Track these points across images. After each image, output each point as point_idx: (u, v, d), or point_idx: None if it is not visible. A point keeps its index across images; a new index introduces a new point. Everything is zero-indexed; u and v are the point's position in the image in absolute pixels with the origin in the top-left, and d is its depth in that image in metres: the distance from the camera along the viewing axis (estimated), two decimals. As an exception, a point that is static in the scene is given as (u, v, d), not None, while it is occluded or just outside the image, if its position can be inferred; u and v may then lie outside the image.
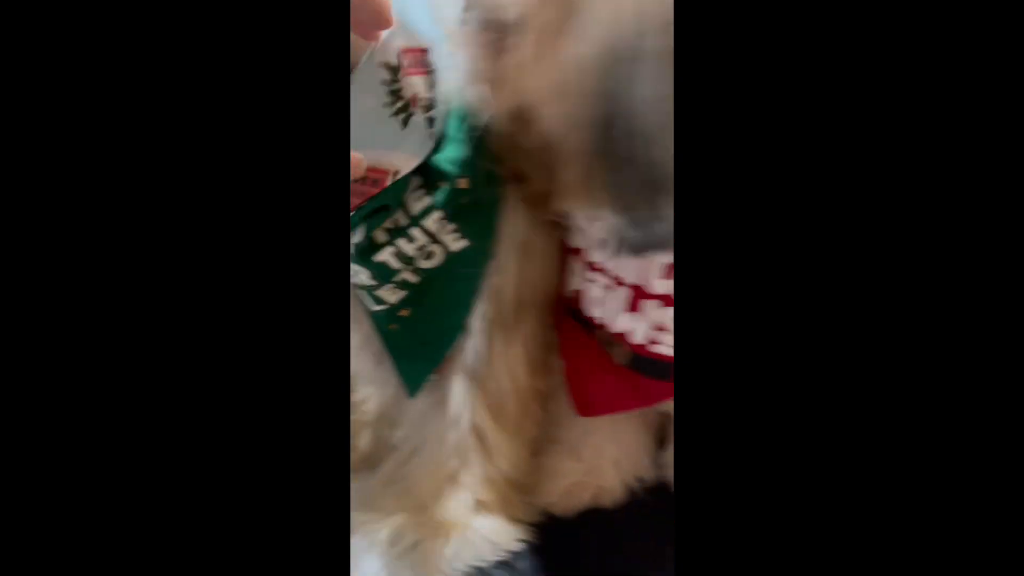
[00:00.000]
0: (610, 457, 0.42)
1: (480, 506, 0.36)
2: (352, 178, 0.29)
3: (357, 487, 0.35)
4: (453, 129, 0.32)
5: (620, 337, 0.36)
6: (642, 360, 0.36)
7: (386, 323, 0.35)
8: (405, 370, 0.36)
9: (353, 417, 0.40)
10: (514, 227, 0.34)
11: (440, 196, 0.33)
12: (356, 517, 0.34)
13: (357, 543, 0.34)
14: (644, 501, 0.41)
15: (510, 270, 0.35)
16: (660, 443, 0.43)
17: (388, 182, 0.31)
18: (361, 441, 0.41)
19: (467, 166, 0.32)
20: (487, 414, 0.36)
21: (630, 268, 0.35)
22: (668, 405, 0.38)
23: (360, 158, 0.29)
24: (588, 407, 0.39)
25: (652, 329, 0.35)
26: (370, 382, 0.39)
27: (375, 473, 0.38)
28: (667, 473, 0.42)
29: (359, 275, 0.33)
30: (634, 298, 0.35)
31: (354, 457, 0.40)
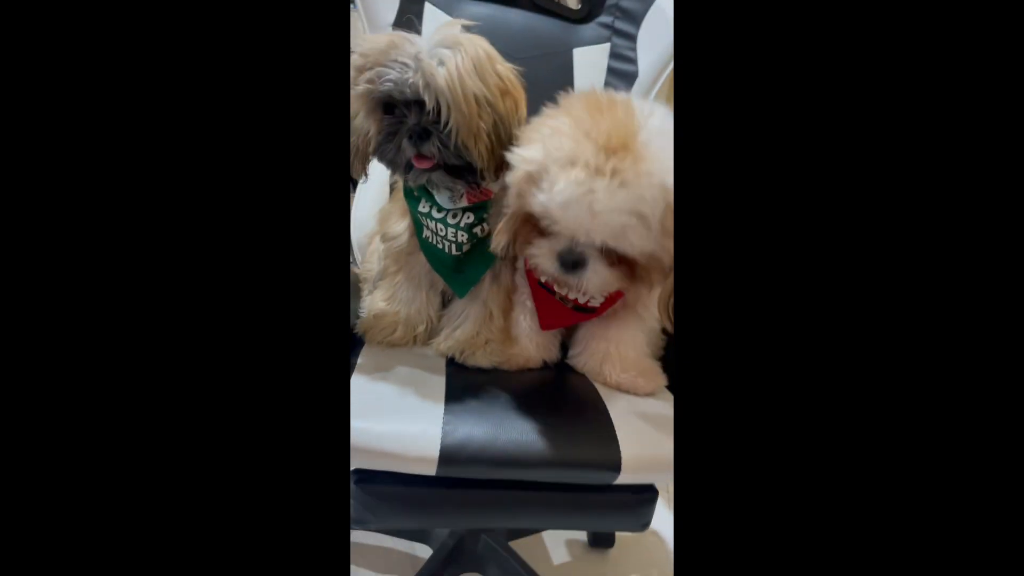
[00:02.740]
0: (535, 344, 0.74)
1: (487, 342, 0.72)
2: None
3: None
4: None
5: (569, 299, 0.67)
6: (579, 306, 0.69)
7: (452, 260, 0.70)
8: (460, 284, 0.72)
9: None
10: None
11: None
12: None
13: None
14: (548, 367, 0.76)
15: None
16: (563, 345, 0.78)
17: (491, 195, 0.66)
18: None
19: None
20: (495, 301, 0.73)
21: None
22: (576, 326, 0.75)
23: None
24: (548, 326, 0.72)
25: (586, 300, 0.67)
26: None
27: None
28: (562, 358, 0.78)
29: (459, 236, 0.68)
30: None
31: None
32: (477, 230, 0.68)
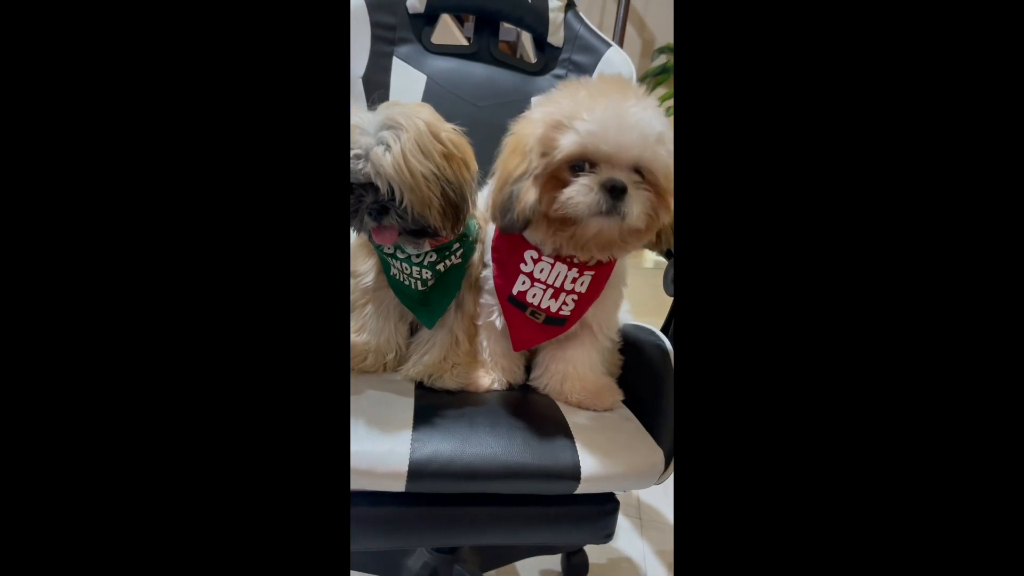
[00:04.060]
0: (502, 368, 0.79)
1: (454, 366, 0.77)
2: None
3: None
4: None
5: (541, 309, 0.73)
6: (552, 318, 0.74)
7: (418, 295, 0.76)
8: (427, 316, 0.77)
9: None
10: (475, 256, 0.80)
11: (465, 242, 0.76)
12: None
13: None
14: (513, 389, 0.80)
15: (472, 273, 0.80)
16: (528, 366, 0.83)
17: (452, 238, 0.73)
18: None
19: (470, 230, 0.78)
20: (460, 327, 0.79)
21: (554, 277, 0.72)
22: (544, 344, 0.79)
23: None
24: (520, 344, 0.77)
25: (560, 304, 0.72)
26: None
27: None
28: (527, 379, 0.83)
29: (424, 273, 0.74)
30: (555, 293, 0.72)
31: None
32: (440, 266, 0.74)
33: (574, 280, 0.70)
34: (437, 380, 0.75)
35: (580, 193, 0.61)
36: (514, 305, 0.74)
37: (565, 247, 0.67)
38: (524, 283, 0.72)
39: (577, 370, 0.75)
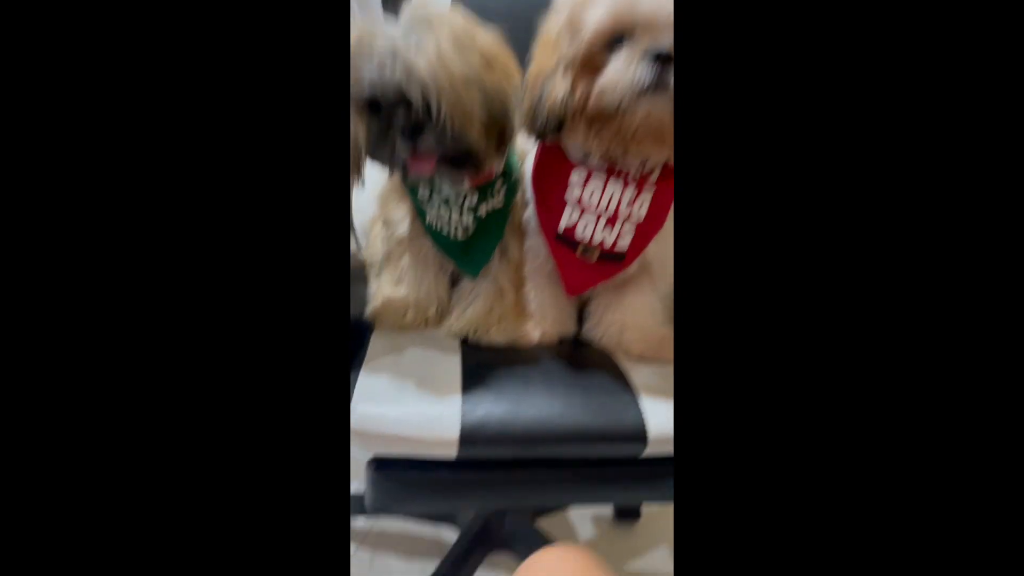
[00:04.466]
0: (550, 319, 0.72)
1: (501, 319, 0.70)
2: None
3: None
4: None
5: (594, 245, 0.65)
6: (605, 254, 0.65)
7: (459, 243, 0.68)
8: (470, 264, 0.70)
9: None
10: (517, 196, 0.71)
11: (508, 180, 0.67)
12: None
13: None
14: (566, 342, 0.73)
15: (515, 216, 0.71)
16: (580, 317, 0.75)
17: (494, 175, 0.66)
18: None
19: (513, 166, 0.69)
20: (505, 276, 0.71)
21: (607, 200, 0.62)
22: (597, 291, 0.72)
23: None
24: (573, 289, 0.69)
25: (616, 236, 0.64)
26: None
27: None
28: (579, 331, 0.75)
29: (464, 219, 0.66)
30: (608, 221, 0.63)
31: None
32: (482, 210, 0.66)
33: (631, 202, 0.61)
34: (484, 334, 0.69)
35: (619, 71, 0.51)
36: (563, 244, 0.65)
37: (614, 149, 0.57)
38: (572, 214, 0.63)
39: (636, 319, 0.68)
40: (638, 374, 0.64)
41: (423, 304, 0.72)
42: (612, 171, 0.60)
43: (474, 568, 0.92)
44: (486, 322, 0.69)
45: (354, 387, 0.59)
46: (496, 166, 0.64)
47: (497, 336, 0.69)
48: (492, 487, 0.62)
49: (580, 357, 0.69)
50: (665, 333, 0.69)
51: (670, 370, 0.67)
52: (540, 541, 0.92)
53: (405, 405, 0.58)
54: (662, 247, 0.65)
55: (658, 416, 0.59)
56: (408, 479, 0.61)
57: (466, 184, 0.63)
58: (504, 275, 0.70)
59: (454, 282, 0.75)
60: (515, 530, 0.94)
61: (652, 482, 0.64)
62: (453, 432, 0.56)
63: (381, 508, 0.62)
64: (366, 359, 0.64)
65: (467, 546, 0.92)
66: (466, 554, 0.91)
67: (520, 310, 0.71)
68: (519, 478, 0.62)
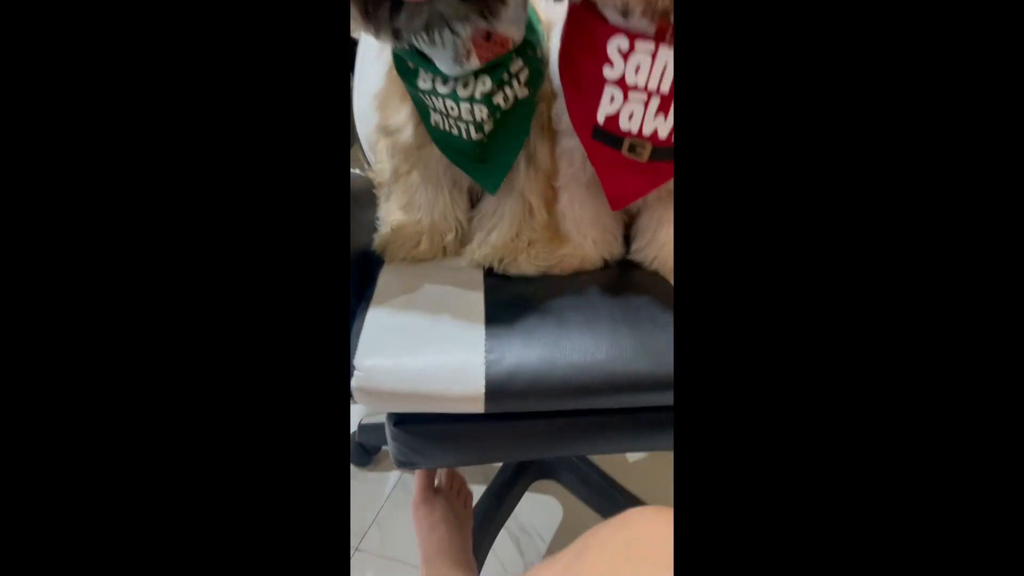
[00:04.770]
0: (591, 240, 0.61)
1: (530, 243, 0.60)
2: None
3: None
4: (531, 12, 0.54)
5: (644, 138, 0.50)
6: (659, 150, 0.50)
7: (473, 147, 0.55)
8: (487, 177, 0.58)
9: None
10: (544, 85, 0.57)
11: (529, 58, 0.53)
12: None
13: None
14: (610, 267, 0.63)
15: (543, 112, 0.57)
16: (626, 236, 0.64)
17: (510, 47, 0.51)
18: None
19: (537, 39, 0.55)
20: (534, 191, 0.59)
21: (658, 75, 0.46)
22: (647, 202, 0.59)
23: None
24: (619, 201, 0.56)
25: (671, 126, 0.49)
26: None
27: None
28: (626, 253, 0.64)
29: (478, 112, 0.53)
30: (660, 105, 0.48)
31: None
32: (499, 100, 0.52)
33: None
34: (511, 264, 0.58)
35: None
36: (603, 141, 0.51)
37: None
38: (613, 99, 0.48)
39: (696, 236, 0.56)
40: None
41: (438, 229, 0.61)
42: (663, 34, 0.45)
43: (519, 496, 0.88)
44: (513, 249, 0.58)
45: (359, 335, 0.51)
46: (511, 29, 0.49)
47: (527, 266, 0.58)
48: (523, 439, 0.55)
49: (628, 285, 0.58)
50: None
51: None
52: (588, 470, 0.87)
53: (422, 354, 0.49)
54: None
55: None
56: (433, 432, 0.54)
57: (472, 58, 0.49)
58: (532, 189, 0.58)
59: (474, 201, 0.64)
60: (560, 458, 0.89)
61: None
62: (478, 386, 0.48)
63: (405, 463, 0.56)
64: (373, 300, 0.55)
65: (512, 475, 0.88)
66: (511, 483, 0.87)
67: (553, 232, 0.60)
68: (553, 430, 0.54)
